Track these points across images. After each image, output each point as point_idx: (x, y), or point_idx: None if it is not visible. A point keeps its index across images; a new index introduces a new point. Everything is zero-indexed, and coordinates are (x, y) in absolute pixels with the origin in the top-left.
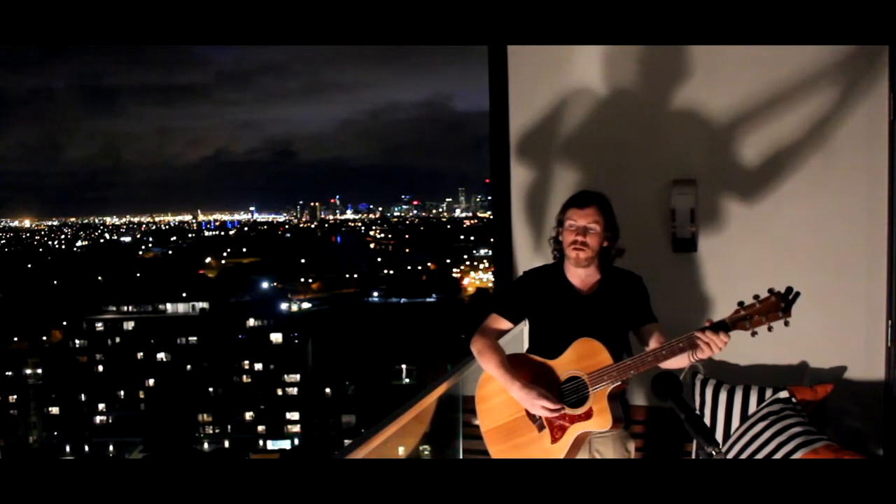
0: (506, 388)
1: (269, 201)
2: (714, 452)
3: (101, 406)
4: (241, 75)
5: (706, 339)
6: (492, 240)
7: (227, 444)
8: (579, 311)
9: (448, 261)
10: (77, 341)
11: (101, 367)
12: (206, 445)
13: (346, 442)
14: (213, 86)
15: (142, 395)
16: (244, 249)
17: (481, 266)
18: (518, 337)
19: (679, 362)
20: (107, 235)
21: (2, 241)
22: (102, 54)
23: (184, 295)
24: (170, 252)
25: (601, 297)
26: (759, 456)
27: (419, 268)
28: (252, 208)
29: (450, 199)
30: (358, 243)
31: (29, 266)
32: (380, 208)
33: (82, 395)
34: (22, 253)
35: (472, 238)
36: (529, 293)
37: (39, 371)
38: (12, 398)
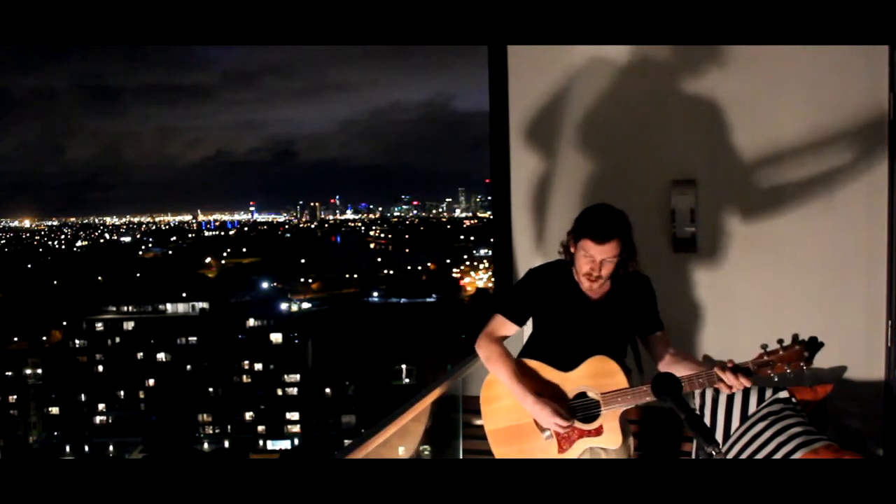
0: (518, 399)
1: (269, 201)
2: (714, 452)
3: (101, 406)
4: (243, 76)
5: (728, 381)
6: (492, 240)
7: (227, 444)
8: (587, 316)
9: (448, 261)
10: (77, 341)
11: (101, 367)
12: (206, 445)
13: (346, 442)
14: (215, 86)
15: (142, 395)
16: (244, 249)
17: (481, 266)
18: (518, 337)
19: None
20: (107, 235)
21: (2, 241)
22: (105, 55)
23: (184, 295)
24: (170, 252)
25: (610, 303)
26: (759, 456)
27: (419, 268)
28: (252, 208)
29: (450, 199)
30: (358, 243)
31: (29, 266)
32: (380, 208)
33: (82, 395)
34: (22, 253)
35: (472, 238)
36: (536, 294)
37: (39, 371)
38: (12, 398)
